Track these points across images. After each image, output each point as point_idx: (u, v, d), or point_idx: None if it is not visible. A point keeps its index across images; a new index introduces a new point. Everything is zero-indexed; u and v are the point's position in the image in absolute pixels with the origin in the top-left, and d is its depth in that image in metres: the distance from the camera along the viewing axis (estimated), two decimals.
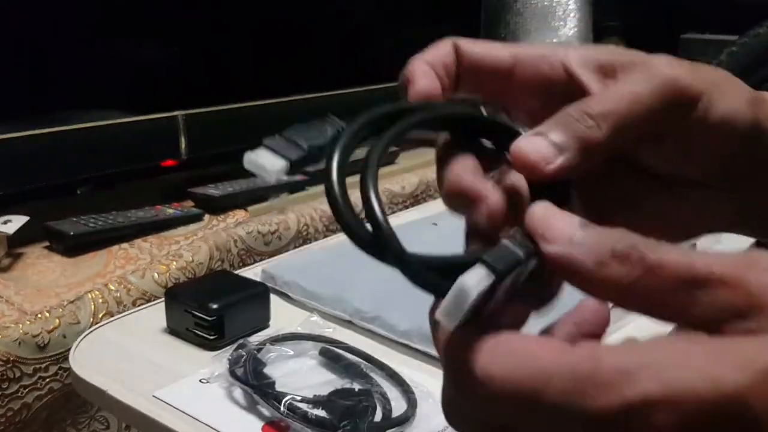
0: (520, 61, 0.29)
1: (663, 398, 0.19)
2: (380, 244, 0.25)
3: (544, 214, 0.23)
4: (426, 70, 0.30)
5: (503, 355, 0.21)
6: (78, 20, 0.77)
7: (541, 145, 0.26)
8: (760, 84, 1.38)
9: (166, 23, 0.86)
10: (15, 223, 0.68)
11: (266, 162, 0.28)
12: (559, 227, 0.23)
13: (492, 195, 0.26)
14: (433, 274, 0.24)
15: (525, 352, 0.21)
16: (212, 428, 0.41)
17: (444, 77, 0.30)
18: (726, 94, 0.28)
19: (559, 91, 0.29)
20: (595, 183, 0.29)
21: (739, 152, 0.30)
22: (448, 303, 0.22)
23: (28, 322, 0.58)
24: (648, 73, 0.28)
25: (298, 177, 0.95)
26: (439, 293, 0.23)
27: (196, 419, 0.42)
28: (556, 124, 0.27)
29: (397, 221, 0.77)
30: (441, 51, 0.30)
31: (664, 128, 0.28)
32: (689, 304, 0.21)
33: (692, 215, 0.31)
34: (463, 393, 0.23)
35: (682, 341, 0.20)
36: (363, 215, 0.26)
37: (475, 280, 0.22)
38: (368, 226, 0.26)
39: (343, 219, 0.26)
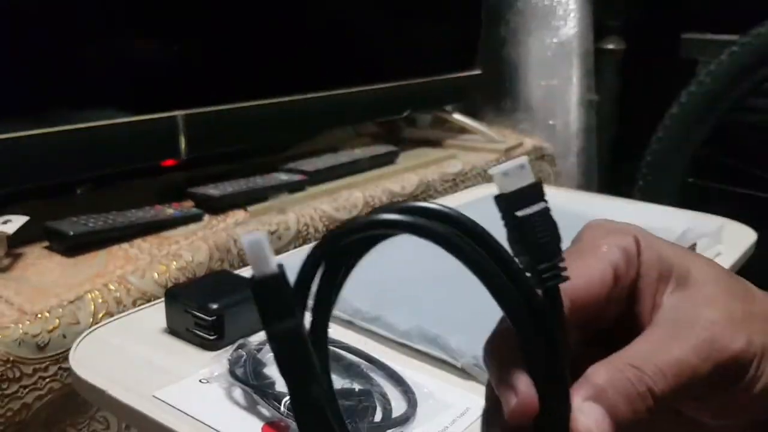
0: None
1: None
2: None
3: None
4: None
5: None
6: (76, 19, 0.77)
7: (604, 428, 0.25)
8: (762, 83, 1.38)
9: (166, 22, 0.86)
10: (15, 222, 0.68)
11: None
12: None
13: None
14: None
15: None
16: (212, 428, 0.41)
17: None
18: None
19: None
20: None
21: None
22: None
23: (27, 322, 0.58)
24: (704, 339, 0.26)
25: (298, 177, 0.95)
26: None
27: (196, 419, 0.42)
28: (618, 396, 0.25)
29: None
30: None
31: (706, 394, 0.27)
32: None
33: None
34: None
35: None
36: None
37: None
38: None
39: None
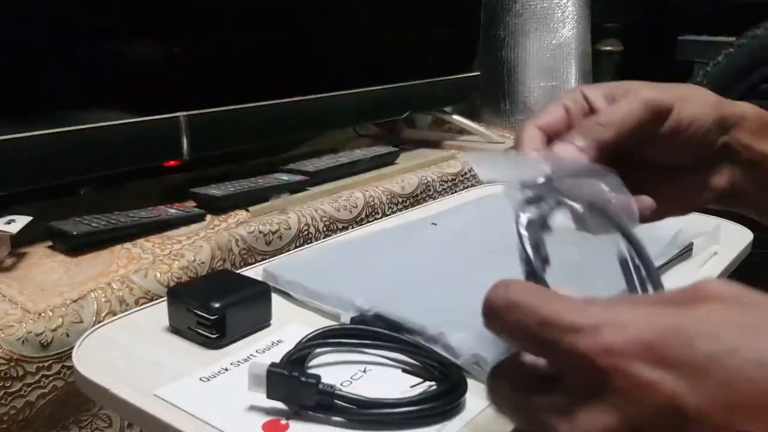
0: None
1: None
2: None
3: None
4: (533, 135, 0.42)
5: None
6: (80, 20, 0.78)
7: (569, 150, 0.40)
8: (758, 84, 1.38)
9: (168, 24, 0.87)
10: (18, 223, 0.69)
11: None
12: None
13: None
14: None
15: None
16: (212, 426, 0.41)
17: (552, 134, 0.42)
18: (691, 102, 0.42)
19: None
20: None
21: (708, 142, 0.43)
22: None
23: (31, 321, 0.59)
24: (636, 96, 0.41)
25: (299, 177, 0.96)
26: None
27: (197, 417, 0.42)
28: (578, 133, 0.41)
29: (397, 221, 0.77)
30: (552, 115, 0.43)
31: (651, 130, 0.42)
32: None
33: (688, 194, 0.46)
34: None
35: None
36: None
37: None
38: None
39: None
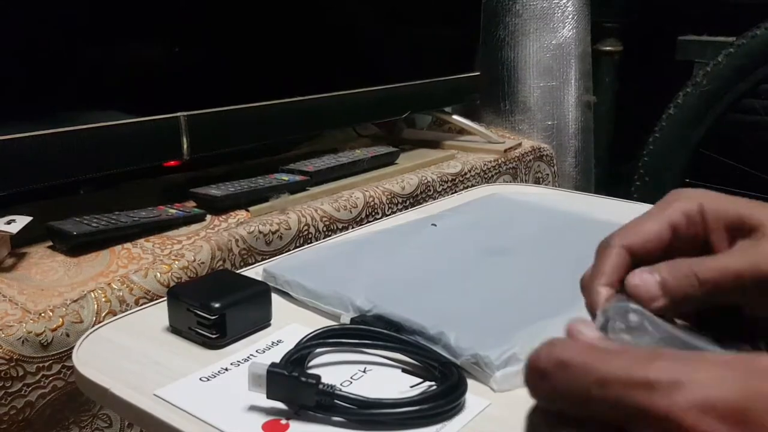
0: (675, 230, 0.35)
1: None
2: None
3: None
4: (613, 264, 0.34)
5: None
6: (80, 20, 0.78)
7: (651, 283, 0.32)
8: (758, 84, 1.38)
9: (168, 24, 0.87)
10: (18, 223, 0.69)
11: None
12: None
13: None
14: None
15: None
16: (212, 426, 0.41)
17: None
18: None
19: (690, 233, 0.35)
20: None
21: None
22: None
23: (31, 321, 0.59)
24: (755, 253, 0.32)
25: (299, 177, 0.96)
26: None
27: (197, 417, 0.42)
28: (670, 274, 0.32)
29: (397, 221, 0.77)
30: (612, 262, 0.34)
31: (756, 297, 0.32)
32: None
33: None
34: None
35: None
36: None
37: None
38: None
39: None
